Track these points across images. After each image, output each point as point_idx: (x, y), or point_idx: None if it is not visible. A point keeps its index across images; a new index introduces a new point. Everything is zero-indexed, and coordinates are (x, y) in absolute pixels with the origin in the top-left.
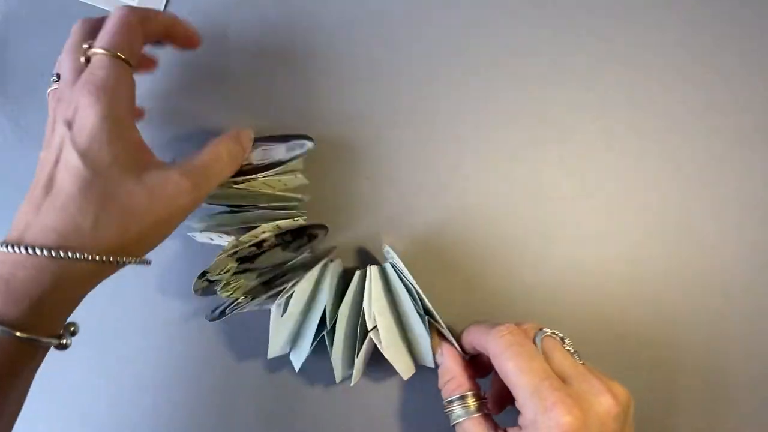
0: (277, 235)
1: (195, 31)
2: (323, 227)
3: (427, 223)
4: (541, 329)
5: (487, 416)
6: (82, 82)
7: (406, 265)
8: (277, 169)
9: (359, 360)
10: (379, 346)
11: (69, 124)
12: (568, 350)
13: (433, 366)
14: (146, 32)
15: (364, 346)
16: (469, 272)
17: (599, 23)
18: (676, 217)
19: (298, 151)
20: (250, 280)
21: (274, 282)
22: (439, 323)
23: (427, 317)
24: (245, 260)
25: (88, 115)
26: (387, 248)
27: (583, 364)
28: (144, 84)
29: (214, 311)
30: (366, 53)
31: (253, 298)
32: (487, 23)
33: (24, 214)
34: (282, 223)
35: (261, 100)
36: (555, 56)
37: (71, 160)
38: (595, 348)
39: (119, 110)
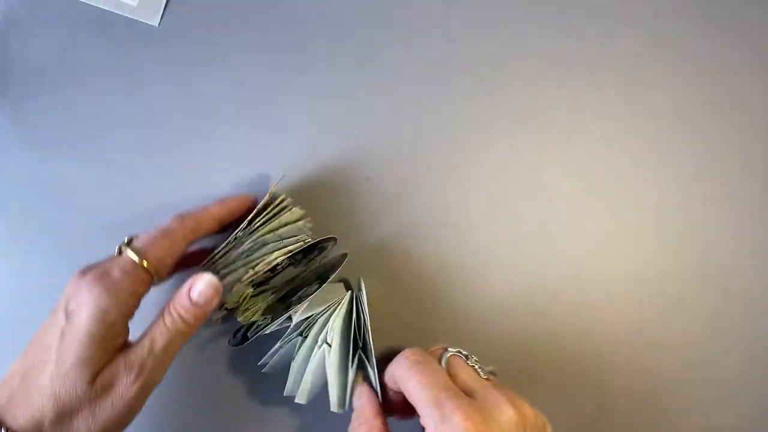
0: (288, 257)
1: (245, 201)
2: (332, 239)
3: (427, 225)
4: (446, 349)
5: None
6: (98, 275)
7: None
8: (264, 215)
9: (308, 371)
10: (326, 362)
11: (67, 315)
12: (473, 366)
13: (340, 412)
14: (196, 236)
15: (316, 358)
16: (470, 272)
17: (599, 23)
18: (676, 217)
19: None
20: (266, 300)
21: (288, 296)
22: (370, 363)
23: (358, 354)
24: (260, 284)
25: (83, 312)
26: (361, 283)
27: (487, 379)
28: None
29: (235, 335)
30: (366, 53)
31: (272, 318)
32: (487, 23)
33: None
34: (292, 246)
35: (262, 102)
36: (555, 56)
37: (50, 356)
38: (596, 348)
39: (114, 316)
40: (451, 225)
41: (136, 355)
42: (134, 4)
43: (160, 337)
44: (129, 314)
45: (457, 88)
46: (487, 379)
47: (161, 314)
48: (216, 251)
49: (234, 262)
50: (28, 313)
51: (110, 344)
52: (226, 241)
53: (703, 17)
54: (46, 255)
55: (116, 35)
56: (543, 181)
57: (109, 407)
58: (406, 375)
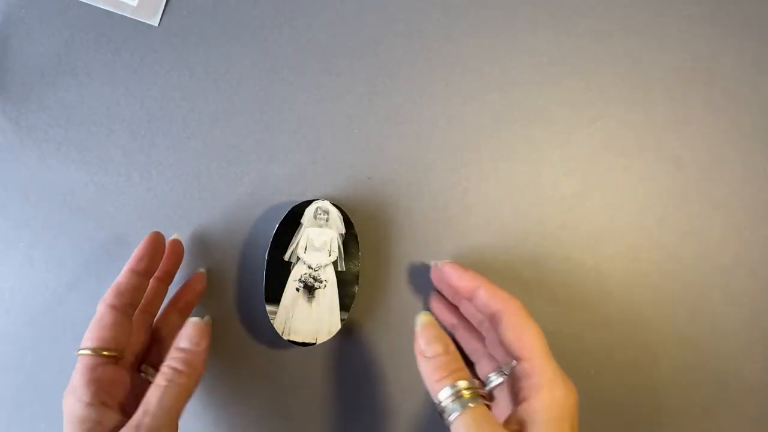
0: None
1: (151, 243)
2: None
3: (427, 224)
4: None
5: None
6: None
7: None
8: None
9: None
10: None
11: None
12: None
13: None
14: (122, 300)
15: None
16: None
17: (599, 23)
18: (676, 217)
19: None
20: None
21: None
22: None
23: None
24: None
25: (64, 425)
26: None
27: None
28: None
29: None
30: (366, 53)
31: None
32: (487, 23)
33: None
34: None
35: (262, 103)
36: (555, 56)
37: None
38: (595, 347)
39: (80, 410)
40: (451, 225)
41: (133, 420)
42: (134, 4)
43: (153, 396)
44: (96, 401)
45: (457, 87)
46: None
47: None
48: None
49: None
50: (28, 313)
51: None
52: None
53: (704, 17)
54: (46, 255)
55: (116, 35)
56: (543, 181)
57: None
58: (529, 321)
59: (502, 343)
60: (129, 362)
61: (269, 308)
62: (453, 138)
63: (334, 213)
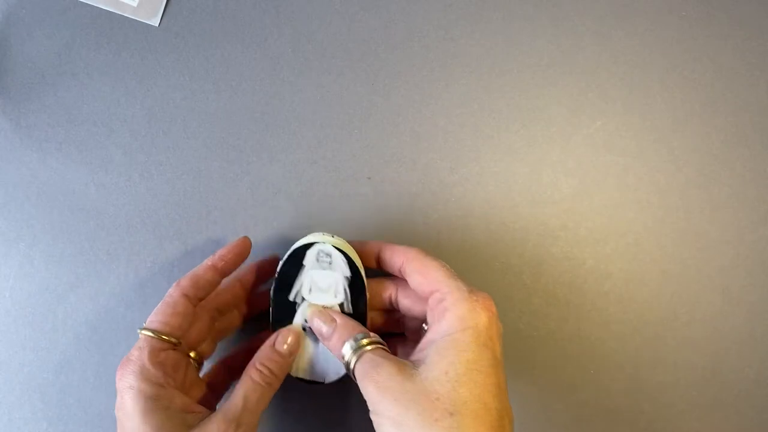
0: None
1: (239, 247)
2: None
3: (428, 224)
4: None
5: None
6: (121, 364)
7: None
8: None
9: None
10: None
11: (117, 411)
12: None
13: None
14: (197, 292)
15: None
16: (469, 273)
17: (599, 23)
18: (676, 217)
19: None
20: None
21: None
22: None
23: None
24: None
25: (124, 399)
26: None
27: None
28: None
29: None
30: (366, 53)
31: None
32: (487, 23)
33: None
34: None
35: (267, 104)
36: (555, 56)
37: None
38: (595, 347)
39: (150, 389)
40: (452, 225)
41: (232, 413)
42: (134, 4)
43: (253, 393)
44: (165, 382)
45: (457, 87)
46: None
47: (247, 372)
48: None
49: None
50: (28, 313)
51: (170, 411)
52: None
53: (703, 17)
54: (46, 255)
55: (116, 35)
56: (543, 181)
57: None
58: (425, 259)
59: (416, 291)
60: (184, 351)
61: None
62: (453, 138)
63: (337, 256)
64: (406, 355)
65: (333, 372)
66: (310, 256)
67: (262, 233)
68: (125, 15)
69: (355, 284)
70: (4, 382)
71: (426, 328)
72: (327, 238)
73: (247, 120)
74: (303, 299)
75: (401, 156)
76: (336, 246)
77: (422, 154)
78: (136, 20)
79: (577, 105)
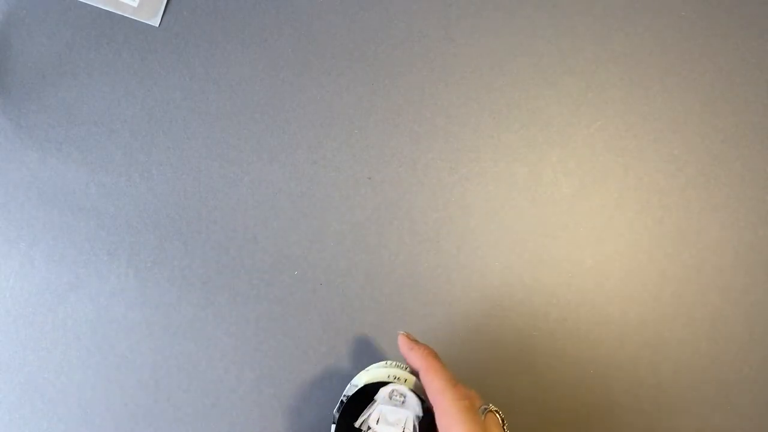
0: None
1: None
2: None
3: (427, 224)
4: (487, 404)
5: None
6: None
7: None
8: None
9: None
10: None
11: None
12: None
13: None
14: None
15: None
16: (469, 272)
17: (599, 23)
18: (676, 217)
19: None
20: None
21: None
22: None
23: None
24: None
25: None
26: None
27: None
28: None
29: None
30: (366, 53)
31: None
32: (487, 23)
33: None
34: None
35: (267, 104)
36: (555, 56)
37: None
38: (595, 347)
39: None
40: (451, 225)
41: None
42: (134, 4)
43: None
44: None
45: (457, 88)
46: None
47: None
48: None
49: None
50: (28, 313)
51: None
52: None
53: (703, 17)
54: (47, 255)
55: (117, 35)
56: (543, 181)
57: None
58: (456, 418)
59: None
60: None
61: None
62: (453, 138)
63: (412, 397)
64: None
65: None
66: (383, 393)
67: (263, 233)
68: (125, 15)
69: (424, 421)
70: (4, 382)
71: None
72: (399, 372)
73: (247, 120)
74: (369, 428)
75: (401, 156)
76: (412, 390)
77: (422, 154)
78: (137, 20)
79: (576, 105)
